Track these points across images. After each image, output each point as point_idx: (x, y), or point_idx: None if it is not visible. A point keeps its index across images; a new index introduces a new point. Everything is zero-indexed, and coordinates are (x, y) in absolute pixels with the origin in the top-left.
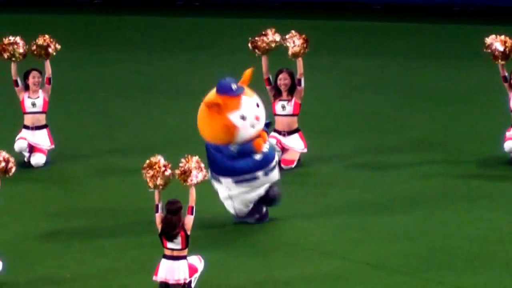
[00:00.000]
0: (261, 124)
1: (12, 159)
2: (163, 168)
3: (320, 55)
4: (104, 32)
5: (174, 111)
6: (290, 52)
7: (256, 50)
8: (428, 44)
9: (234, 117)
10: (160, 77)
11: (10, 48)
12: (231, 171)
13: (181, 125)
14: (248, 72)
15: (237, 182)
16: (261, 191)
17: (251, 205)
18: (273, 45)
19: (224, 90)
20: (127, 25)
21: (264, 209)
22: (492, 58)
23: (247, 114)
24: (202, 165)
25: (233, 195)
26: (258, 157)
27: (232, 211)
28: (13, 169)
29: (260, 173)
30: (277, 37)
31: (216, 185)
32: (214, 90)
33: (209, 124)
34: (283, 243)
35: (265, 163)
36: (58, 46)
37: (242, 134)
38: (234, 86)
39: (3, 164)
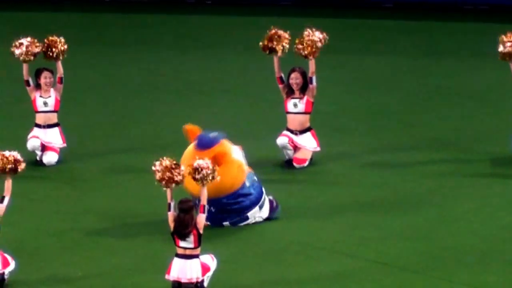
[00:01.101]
0: None
1: (21, 159)
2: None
3: (331, 53)
4: (116, 31)
5: (186, 110)
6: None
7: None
8: (440, 42)
9: (237, 155)
10: (172, 75)
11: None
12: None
13: (192, 123)
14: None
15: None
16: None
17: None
18: (319, 44)
19: (215, 141)
20: (138, 24)
21: (274, 203)
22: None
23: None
24: (212, 165)
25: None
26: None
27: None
28: (22, 167)
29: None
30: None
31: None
32: (210, 148)
33: (228, 173)
34: (294, 242)
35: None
36: (65, 47)
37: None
38: (213, 135)
39: (10, 166)
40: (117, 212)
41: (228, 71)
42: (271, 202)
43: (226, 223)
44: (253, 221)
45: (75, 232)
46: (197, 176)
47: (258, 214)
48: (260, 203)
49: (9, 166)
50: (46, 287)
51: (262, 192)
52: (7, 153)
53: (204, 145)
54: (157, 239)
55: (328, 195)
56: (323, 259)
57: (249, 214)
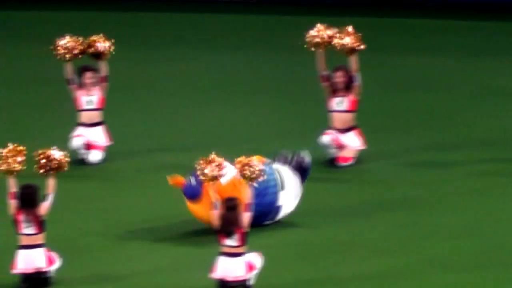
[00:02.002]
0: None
1: (64, 158)
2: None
3: (372, 52)
4: (153, 30)
5: (225, 109)
6: (344, 48)
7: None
8: (482, 41)
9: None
10: (210, 75)
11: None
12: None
13: (232, 123)
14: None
15: None
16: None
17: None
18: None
19: (199, 188)
20: (175, 22)
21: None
22: None
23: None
24: (257, 163)
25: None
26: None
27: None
28: (66, 166)
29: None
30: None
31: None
32: (199, 197)
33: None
34: (338, 241)
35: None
36: (108, 46)
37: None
38: (193, 182)
39: (54, 164)
40: (160, 211)
41: (269, 71)
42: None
43: (266, 221)
44: (289, 207)
45: (119, 230)
46: (246, 173)
47: (286, 196)
48: (279, 186)
49: (52, 165)
50: (91, 285)
51: (272, 173)
52: (50, 152)
53: (192, 196)
54: (200, 238)
55: (372, 194)
56: (366, 258)
57: (279, 203)
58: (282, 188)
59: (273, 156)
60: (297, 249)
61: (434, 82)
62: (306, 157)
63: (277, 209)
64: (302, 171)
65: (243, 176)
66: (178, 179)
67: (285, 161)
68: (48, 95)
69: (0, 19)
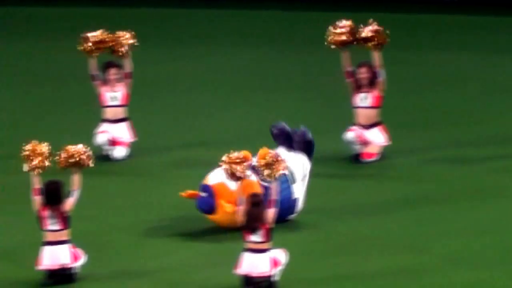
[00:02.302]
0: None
1: (88, 153)
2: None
3: (397, 49)
4: (182, 26)
5: (254, 105)
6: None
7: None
8: (505, 37)
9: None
10: (240, 71)
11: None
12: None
13: (261, 119)
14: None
15: None
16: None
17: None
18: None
19: (210, 202)
20: (206, 19)
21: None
22: None
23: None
24: (283, 159)
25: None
26: None
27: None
28: (90, 163)
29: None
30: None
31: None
32: (214, 211)
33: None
34: (361, 237)
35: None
36: (131, 42)
37: None
38: (203, 194)
39: (76, 160)
40: (185, 206)
41: (298, 67)
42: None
43: (289, 217)
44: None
45: (144, 226)
46: (267, 171)
47: (299, 188)
48: (290, 180)
49: (74, 161)
50: (117, 281)
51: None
52: (73, 147)
53: (206, 210)
54: (225, 234)
55: (397, 190)
56: (393, 254)
57: (295, 196)
58: (294, 181)
59: (272, 130)
60: (322, 244)
61: (455, 78)
62: (307, 130)
63: (294, 202)
64: (307, 145)
65: (267, 174)
66: (191, 193)
67: (287, 137)
68: (73, 92)
69: (26, 15)
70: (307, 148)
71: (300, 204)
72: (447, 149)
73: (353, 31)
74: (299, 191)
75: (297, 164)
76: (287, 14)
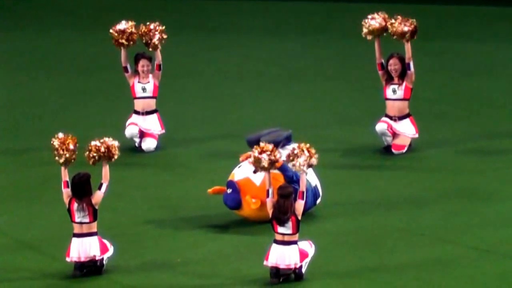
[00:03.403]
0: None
1: (114, 144)
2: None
3: (433, 39)
4: (215, 17)
5: (285, 96)
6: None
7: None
8: None
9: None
10: (271, 61)
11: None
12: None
13: (292, 110)
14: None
15: None
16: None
17: None
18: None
19: (236, 198)
20: (237, 9)
21: None
22: None
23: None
24: (313, 151)
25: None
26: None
27: None
28: (116, 155)
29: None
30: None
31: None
32: (240, 206)
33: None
34: (393, 228)
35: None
36: (162, 34)
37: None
38: (229, 190)
39: (102, 149)
40: (215, 198)
41: (329, 58)
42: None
43: (317, 201)
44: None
45: (174, 218)
46: (294, 163)
47: (312, 176)
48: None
49: (101, 154)
50: (146, 273)
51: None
52: (98, 142)
53: (233, 206)
54: (255, 226)
55: (428, 182)
56: (423, 246)
57: (313, 184)
58: (306, 173)
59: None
60: (350, 236)
61: (489, 69)
62: (280, 131)
63: (315, 189)
64: (281, 142)
65: (293, 165)
66: (217, 189)
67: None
68: (105, 83)
69: (59, 6)
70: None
71: (320, 190)
72: (479, 140)
73: (386, 21)
74: (313, 179)
75: None
76: (318, 5)
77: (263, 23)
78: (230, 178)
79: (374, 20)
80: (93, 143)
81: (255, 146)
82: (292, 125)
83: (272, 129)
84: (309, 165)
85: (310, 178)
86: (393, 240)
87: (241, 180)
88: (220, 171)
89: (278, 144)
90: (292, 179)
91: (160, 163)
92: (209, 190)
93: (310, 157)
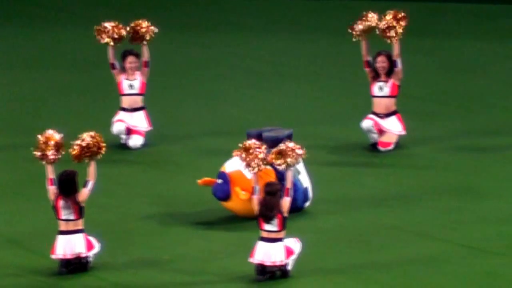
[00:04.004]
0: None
1: (99, 141)
2: (259, 150)
3: (423, 37)
4: (204, 14)
5: (274, 94)
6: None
7: (354, 33)
8: None
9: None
10: (260, 59)
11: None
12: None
13: (281, 107)
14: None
15: None
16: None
17: None
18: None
19: (226, 189)
20: (227, 6)
21: None
22: None
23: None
24: (298, 148)
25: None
26: None
27: None
28: (102, 151)
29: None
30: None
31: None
32: (229, 198)
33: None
34: (381, 225)
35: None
36: (150, 30)
37: None
38: (219, 181)
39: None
40: (203, 195)
41: (318, 55)
42: None
43: (306, 204)
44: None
45: (161, 215)
46: (280, 160)
47: (304, 178)
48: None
49: (87, 151)
50: (133, 270)
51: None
52: (84, 140)
53: (222, 197)
54: (243, 223)
55: (417, 179)
56: (412, 243)
57: (304, 185)
58: (299, 172)
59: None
60: (338, 233)
61: (482, 66)
62: (282, 129)
63: (306, 190)
64: (282, 139)
65: (279, 163)
66: (207, 181)
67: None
68: (93, 79)
69: (50, 3)
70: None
71: (310, 193)
72: (469, 138)
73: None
74: (305, 181)
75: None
76: (307, 2)
77: (253, 20)
78: (221, 169)
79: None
80: (81, 140)
81: (244, 143)
82: (281, 122)
83: (274, 128)
84: (293, 165)
85: (302, 179)
86: (381, 237)
87: (232, 172)
88: (208, 168)
89: (280, 141)
90: (283, 176)
91: (147, 160)
92: (199, 181)
93: (297, 156)
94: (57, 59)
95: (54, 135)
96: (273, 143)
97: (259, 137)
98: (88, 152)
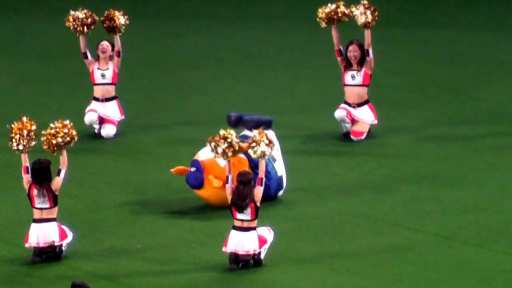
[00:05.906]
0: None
1: (70, 131)
2: (230, 140)
3: (395, 26)
4: (175, 3)
5: (246, 83)
6: (360, 23)
7: (323, 22)
8: (503, 16)
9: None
10: (232, 48)
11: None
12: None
13: (253, 97)
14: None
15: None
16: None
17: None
18: (344, 17)
19: (199, 177)
20: None
21: None
22: None
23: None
24: (273, 139)
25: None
26: None
27: None
28: (74, 140)
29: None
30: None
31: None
32: (202, 186)
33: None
34: (353, 214)
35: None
36: (122, 20)
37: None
38: (193, 169)
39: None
40: (175, 185)
41: (289, 45)
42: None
43: (280, 193)
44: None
45: (134, 204)
46: (253, 149)
47: (280, 165)
48: (270, 159)
49: (58, 141)
50: (106, 259)
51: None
52: (54, 128)
53: (195, 185)
54: (216, 212)
55: (387, 168)
56: (382, 232)
57: (279, 174)
58: (274, 160)
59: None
60: (310, 222)
61: (452, 56)
62: (252, 114)
63: (280, 179)
64: (264, 123)
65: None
66: (180, 169)
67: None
68: (65, 69)
69: None
70: (266, 124)
71: (285, 181)
72: (439, 127)
73: (341, 12)
74: (281, 169)
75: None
76: None
77: (224, 10)
78: (195, 157)
79: (330, 12)
80: (52, 128)
81: (218, 134)
82: (252, 112)
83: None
84: (266, 154)
85: (277, 167)
86: (352, 226)
87: (206, 160)
88: (180, 157)
89: (260, 124)
90: (257, 165)
91: (120, 149)
92: (172, 170)
93: (270, 145)
94: (23, 49)
95: (28, 124)
96: (254, 125)
97: (239, 119)
98: (62, 142)
